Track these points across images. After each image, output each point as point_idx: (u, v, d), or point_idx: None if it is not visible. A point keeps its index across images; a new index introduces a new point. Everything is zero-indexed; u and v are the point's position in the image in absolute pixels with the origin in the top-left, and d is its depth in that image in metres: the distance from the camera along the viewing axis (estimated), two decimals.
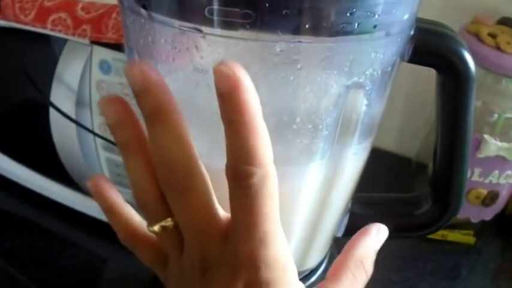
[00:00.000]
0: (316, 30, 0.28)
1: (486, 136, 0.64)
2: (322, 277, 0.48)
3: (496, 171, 0.68)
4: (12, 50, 0.63)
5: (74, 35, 0.57)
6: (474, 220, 0.73)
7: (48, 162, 0.71)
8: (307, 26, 0.27)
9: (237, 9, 0.27)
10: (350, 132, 0.34)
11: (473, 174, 0.68)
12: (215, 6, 0.27)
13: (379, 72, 0.32)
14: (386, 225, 0.46)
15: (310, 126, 0.32)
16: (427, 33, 0.36)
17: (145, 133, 0.30)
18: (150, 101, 0.27)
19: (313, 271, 0.48)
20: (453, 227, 0.74)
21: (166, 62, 0.31)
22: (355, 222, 0.47)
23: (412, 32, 0.35)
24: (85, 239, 0.74)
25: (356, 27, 0.28)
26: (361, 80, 0.32)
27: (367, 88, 0.33)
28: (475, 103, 0.66)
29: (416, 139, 0.83)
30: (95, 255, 0.72)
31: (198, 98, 0.32)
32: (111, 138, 0.58)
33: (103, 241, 0.70)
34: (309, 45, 0.29)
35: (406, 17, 0.32)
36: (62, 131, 0.65)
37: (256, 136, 0.26)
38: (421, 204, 0.47)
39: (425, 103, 0.78)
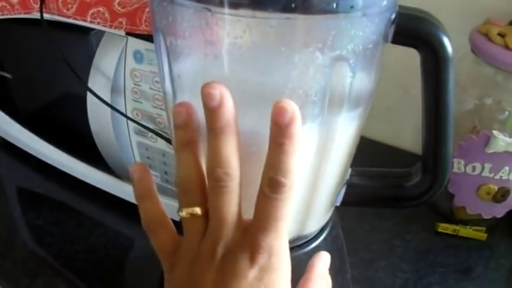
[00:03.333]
0: (302, 9, 0.34)
1: (495, 132, 0.66)
2: (324, 244, 0.53)
3: (506, 168, 0.70)
4: (54, 41, 0.67)
5: (111, 27, 0.62)
6: (486, 216, 0.75)
7: (84, 146, 0.75)
8: (293, 6, 0.34)
9: None
10: (338, 100, 0.40)
11: (484, 170, 0.70)
12: None
13: (361, 47, 0.38)
14: (381, 195, 0.52)
15: (300, 91, 0.38)
16: (407, 18, 0.41)
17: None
18: (221, 117, 0.35)
19: (314, 237, 0.53)
20: (465, 222, 0.77)
21: (183, 37, 0.38)
22: (352, 192, 0.53)
23: (393, 16, 0.40)
24: (113, 219, 0.78)
25: (335, 6, 0.35)
26: (343, 53, 0.37)
27: (351, 61, 0.38)
28: (486, 101, 0.70)
29: None
30: (123, 234, 0.77)
31: (207, 67, 0.38)
32: (143, 122, 0.65)
33: (130, 221, 0.74)
34: (296, 22, 0.35)
35: (384, 3, 0.38)
36: (98, 117, 0.70)
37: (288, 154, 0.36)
38: (412, 177, 0.52)
39: None
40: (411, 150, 0.94)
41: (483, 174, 0.71)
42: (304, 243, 0.52)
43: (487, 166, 0.70)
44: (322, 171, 0.45)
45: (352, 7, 0.35)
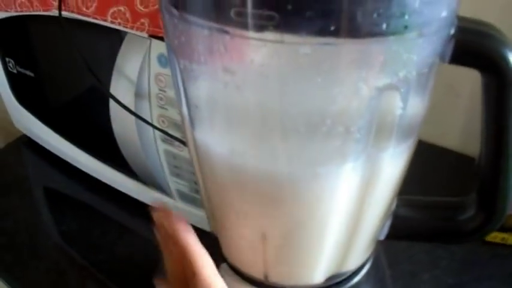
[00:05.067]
0: (342, 32, 0.27)
1: None
2: (365, 279, 0.48)
3: None
4: (74, 40, 0.64)
5: (132, 28, 0.58)
6: None
7: (109, 151, 0.72)
8: (332, 28, 0.27)
9: (261, 11, 0.27)
10: (385, 135, 0.34)
11: None
12: (241, 8, 0.27)
13: (414, 73, 0.31)
14: (429, 229, 0.46)
15: (341, 128, 0.32)
16: (468, 33, 0.34)
17: None
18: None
19: (354, 273, 0.48)
20: None
21: (198, 62, 0.32)
22: (398, 225, 0.47)
23: (452, 32, 0.33)
24: (143, 227, 0.75)
25: (384, 28, 0.28)
26: (394, 82, 0.31)
27: (402, 90, 0.32)
28: None
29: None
30: (152, 243, 0.74)
31: (227, 97, 0.32)
32: (169, 130, 0.60)
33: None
34: (336, 47, 0.28)
35: (443, 14, 0.31)
36: (121, 122, 0.66)
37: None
38: (465, 210, 0.45)
39: None
40: (458, 150, 0.90)
41: None
42: (343, 280, 0.47)
43: None
44: (365, 210, 0.39)
45: (406, 27, 0.28)
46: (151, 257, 0.68)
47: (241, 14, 0.27)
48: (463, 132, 0.89)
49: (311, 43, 0.28)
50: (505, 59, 0.35)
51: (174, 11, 0.30)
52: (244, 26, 0.28)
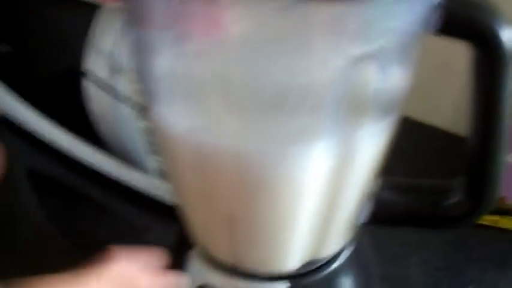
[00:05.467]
0: None
1: None
2: (346, 265, 0.46)
3: None
4: (49, 15, 0.64)
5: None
6: None
7: (86, 128, 0.72)
8: None
9: None
10: (361, 111, 0.31)
11: None
12: None
13: (393, 43, 0.29)
14: (414, 214, 0.43)
15: (310, 101, 0.29)
16: (457, 3, 0.32)
17: None
18: None
19: (333, 259, 0.45)
20: (505, 212, 0.71)
21: (154, 30, 0.29)
22: (380, 209, 0.44)
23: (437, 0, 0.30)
24: (122, 208, 0.74)
25: None
26: (370, 52, 0.28)
27: (379, 61, 0.29)
28: None
29: None
30: (130, 224, 0.73)
31: (186, 68, 0.30)
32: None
33: (141, 211, 0.72)
34: (305, 10, 0.25)
35: None
36: (97, 98, 0.66)
37: None
38: (453, 195, 0.43)
39: None
40: (449, 129, 0.88)
41: None
42: (321, 266, 0.44)
43: None
44: (341, 193, 0.37)
45: None
46: (131, 239, 0.68)
47: None
48: (455, 110, 0.86)
49: (278, 5, 0.24)
50: (495, 32, 0.33)
51: None
52: None
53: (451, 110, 0.86)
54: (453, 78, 0.82)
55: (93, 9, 0.60)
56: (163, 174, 0.66)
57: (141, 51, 0.32)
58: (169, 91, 0.32)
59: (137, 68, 0.34)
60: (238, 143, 0.30)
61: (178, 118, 0.31)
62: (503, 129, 0.37)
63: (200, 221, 0.41)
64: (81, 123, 0.71)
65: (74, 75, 0.67)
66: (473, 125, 0.39)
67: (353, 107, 0.30)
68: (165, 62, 0.31)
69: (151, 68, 0.32)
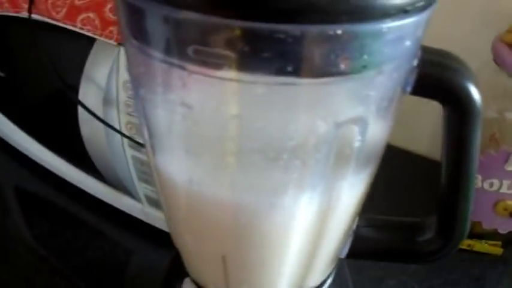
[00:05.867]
0: (300, 72, 0.27)
1: None
2: None
3: None
4: (44, 43, 0.63)
5: (101, 35, 0.57)
6: (502, 231, 0.72)
7: (78, 153, 0.71)
8: (289, 69, 0.27)
9: (217, 50, 0.26)
10: (343, 166, 0.34)
11: (502, 187, 0.68)
12: (197, 46, 0.27)
13: (374, 108, 0.32)
14: (390, 249, 0.46)
15: (297, 162, 0.32)
16: (431, 65, 0.34)
17: None
18: None
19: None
20: (480, 237, 0.73)
21: (156, 93, 0.32)
22: (359, 244, 0.47)
23: (415, 63, 0.33)
24: (112, 231, 0.75)
25: (343, 68, 0.28)
26: (352, 117, 0.31)
27: (360, 124, 0.32)
28: (507, 115, 0.64)
29: None
30: (120, 247, 0.73)
31: (185, 129, 0.32)
32: (137, 137, 0.59)
33: (128, 233, 0.72)
34: (293, 87, 0.28)
35: (406, 46, 0.30)
36: (90, 126, 0.66)
37: None
38: (425, 232, 0.46)
39: None
40: (427, 155, 0.91)
41: (501, 190, 0.68)
42: None
43: (506, 183, 0.67)
44: (325, 234, 0.39)
45: (364, 67, 0.28)
46: (121, 261, 0.70)
47: (200, 52, 0.27)
48: (433, 137, 0.89)
49: (268, 83, 0.27)
50: (466, 93, 0.35)
51: (133, 41, 0.30)
52: (202, 64, 0.27)
53: (427, 137, 0.90)
54: (430, 107, 0.85)
55: (89, 40, 0.61)
56: (152, 202, 0.68)
57: (145, 107, 0.34)
58: (171, 145, 0.34)
59: (139, 119, 0.37)
60: (233, 195, 0.33)
61: (178, 169, 0.34)
62: (472, 174, 0.40)
63: (194, 256, 0.43)
64: (74, 147, 0.71)
65: (67, 101, 0.68)
66: (445, 170, 0.42)
67: (336, 164, 0.33)
68: (163, 118, 0.34)
69: (153, 123, 0.35)
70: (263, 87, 0.28)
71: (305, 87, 0.28)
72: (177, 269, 0.47)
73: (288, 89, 0.28)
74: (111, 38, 0.57)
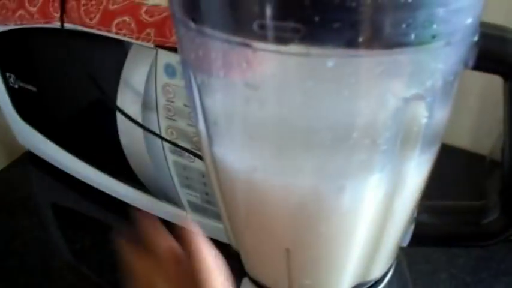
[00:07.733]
0: (370, 44, 0.26)
1: None
2: (388, 286, 0.47)
3: None
4: (77, 52, 0.62)
5: (138, 38, 0.57)
6: None
7: (118, 164, 0.71)
8: (360, 40, 0.26)
9: (286, 24, 0.25)
10: (411, 145, 0.33)
11: None
12: (264, 21, 0.26)
13: (441, 82, 0.30)
14: (453, 234, 0.45)
15: (367, 141, 0.30)
16: (491, 40, 0.34)
17: None
18: None
19: (378, 281, 0.47)
20: None
21: (217, 77, 0.31)
22: (421, 231, 0.46)
23: (476, 38, 0.32)
24: None
25: (413, 38, 0.27)
26: (421, 92, 0.30)
27: (428, 99, 0.31)
28: None
29: (490, 137, 0.80)
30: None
31: (248, 113, 0.31)
32: (178, 141, 0.59)
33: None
34: (363, 59, 0.27)
35: (469, 21, 0.30)
36: (129, 134, 0.65)
37: None
38: (488, 213, 0.45)
39: (500, 101, 0.75)
40: (469, 149, 0.90)
41: None
42: None
43: None
44: (390, 219, 0.38)
45: (434, 37, 0.27)
46: None
47: (265, 27, 0.26)
48: (473, 131, 0.88)
49: (338, 55, 0.26)
50: None
51: (191, 24, 0.29)
52: (267, 39, 0.26)
53: (467, 130, 0.89)
54: (470, 103, 0.84)
55: (124, 46, 0.60)
56: (196, 208, 0.67)
57: (203, 96, 0.33)
58: (231, 133, 0.33)
59: (193, 110, 0.36)
60: (300, 180, 0.32)
61: (240, 158, 0.33)
62: None
63: (256, 253, 0.42)
64: (113, 159, 0.71)
65: (103, 112, 0.68)
66: (508, 145, 0.41)
67: (404, 142, 0.32)
68: (224, 104, 0.33)
69: (212, 111, 0.34)
70: (333, 60, 0.27)
71: (375, 59, 0.27)
72: (234, 270, 0.46)
73: (357, 61, 0.27)
74: (148, 41, 0.56)
